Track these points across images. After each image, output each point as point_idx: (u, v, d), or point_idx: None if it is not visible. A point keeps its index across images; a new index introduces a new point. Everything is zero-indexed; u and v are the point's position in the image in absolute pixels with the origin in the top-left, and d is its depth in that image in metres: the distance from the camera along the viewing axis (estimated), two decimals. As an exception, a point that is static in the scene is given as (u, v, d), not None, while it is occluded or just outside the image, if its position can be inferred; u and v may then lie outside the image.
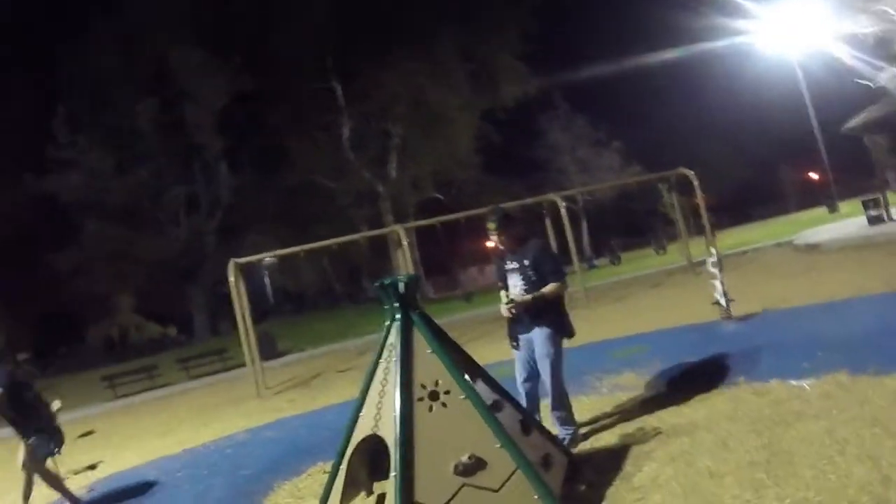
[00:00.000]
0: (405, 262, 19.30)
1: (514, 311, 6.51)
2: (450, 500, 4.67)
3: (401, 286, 5.26)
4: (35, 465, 8.60)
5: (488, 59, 45.01)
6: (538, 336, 6.62)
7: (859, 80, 27.07)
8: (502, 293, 6.77)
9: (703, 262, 24.76)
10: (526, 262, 6.59)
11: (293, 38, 42.22)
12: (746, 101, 52.63)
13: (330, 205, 45.71)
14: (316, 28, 42.22)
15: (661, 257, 33.25)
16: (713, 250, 12.09)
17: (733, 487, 4.90)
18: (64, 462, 11.40)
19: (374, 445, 5.24)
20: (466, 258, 60.01)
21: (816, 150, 44.29)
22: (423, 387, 4.97)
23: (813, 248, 21.08)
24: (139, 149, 44.03)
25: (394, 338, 5.21)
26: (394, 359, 5.12)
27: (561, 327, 6.74)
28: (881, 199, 24.34)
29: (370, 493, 5.95)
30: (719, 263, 11.68)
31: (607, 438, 6.71)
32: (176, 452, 11.09)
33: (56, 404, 12.22)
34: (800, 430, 5.69)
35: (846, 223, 26.18)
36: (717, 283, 11.54)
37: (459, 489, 4.71)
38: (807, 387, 6.91)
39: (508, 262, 6.72)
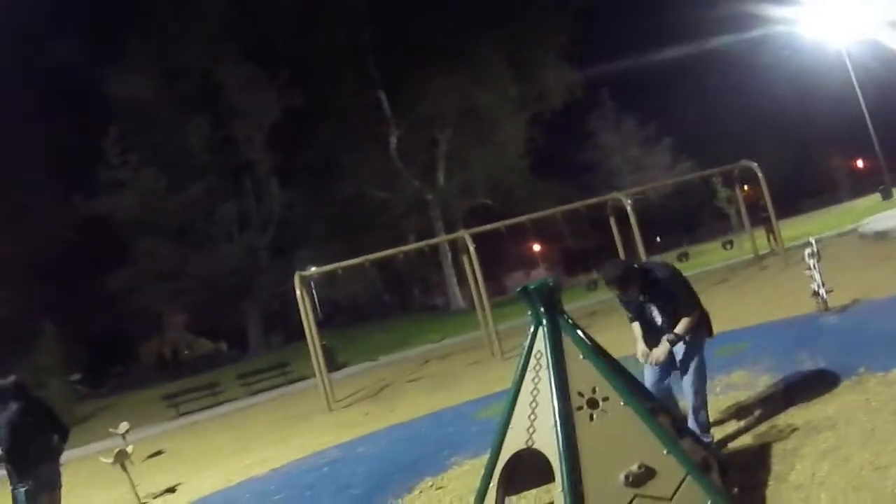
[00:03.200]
0: (472, 269, 18.95)
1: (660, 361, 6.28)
2: (623, 514, 4.35)
3: (547, 290, 4.94)
4: None
5: (534, 61, 44.73)
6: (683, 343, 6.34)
7: None
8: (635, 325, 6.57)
9: (768, 255, 24.66)
10: (657, 304, 6.32)
11: (337, 50, 42.38)
12: (792, 90, 51.76)
13: (380, 216, 45.57)
14: (359, 39, 42.33)
15: (726, 252, 32.49)
16: (812, 240, 11.59)
17: (903, 478, 4.62)
18: (141, 485, 11.23)
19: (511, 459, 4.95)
20: (514, 263, 59.65)
21: (865, 137, 43.61)
22: (581, 395, 4.64)
23: (882, 235, 20.24)
24: (190, 167, 44.28)
25: (541, 344, 4.87)
26: (543, 366, 4.78)
27: (704, 331, 6.48)
28: None
29: (503, 510, 5.63)
30: (817, 254, 11.20)
31: (742, 440, 6.40)
32: (264, 473, 10.71)
33: (124, 426, 12.08)
34: (948, 417, 5.37)
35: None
36: (816, 275, 11.07)
37: (632, 500, 4.40)
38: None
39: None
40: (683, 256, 35.73)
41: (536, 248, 60.47)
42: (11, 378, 7.78)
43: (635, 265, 6.43)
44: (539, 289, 4.93)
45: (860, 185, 55.33)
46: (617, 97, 54.29)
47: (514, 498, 5.83)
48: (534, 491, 5.96)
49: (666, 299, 6.28)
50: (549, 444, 4.55)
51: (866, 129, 42.84)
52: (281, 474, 10.35)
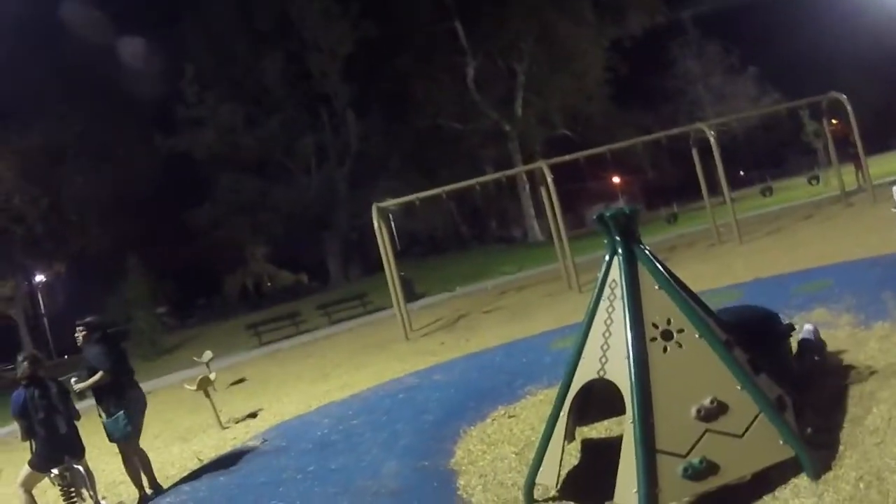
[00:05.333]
0: (549, 200, 18.77)
1: None
2: (692, 447, 4.31)
3: (623, 218, 4.86)
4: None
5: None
6: None
7: None
8: None
9: (855, 192, 23.84)
10: None
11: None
12: (885, 22, 49.19)
13: (456, 147, 45.30)
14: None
15: (812, 187, 31.35)
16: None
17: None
18: (223, 411, 11.59)
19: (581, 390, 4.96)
20: (593, 195, 58.81)
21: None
22: (655, 326, 4.59)
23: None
24: (267, 102, 44.89)
25: (616, 274, 4.81)
26: (618, 296, 4.73)
27: None
28: None
29: (572, 439, 5.65)
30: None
31: (820, 380, 6.18)
32: (342, 398, 10.91)
33: (207, 354, 12.43)
34: None
35: None
36: (903, 216, 10.66)
37: (702, 435, 4.35)
38: None
39: None
40: (767, 191, 34.62)
41: (616, 180, 59.35)
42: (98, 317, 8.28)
43: None
44: (616, 216, 4.85)
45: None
46: (700, 23, 52.47)
47: (584, 428, 5.88)
48: (605, 422, 5.98)
49: None
50: (621, 375, 4.53)
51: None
52: (359, 400, 10.55)
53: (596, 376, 4.74)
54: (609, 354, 4.67)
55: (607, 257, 4.92)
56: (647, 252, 4.86)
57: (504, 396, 8.28)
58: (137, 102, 42.21)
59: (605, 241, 4.95)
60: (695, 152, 20.93)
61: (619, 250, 4.82)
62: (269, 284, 54.46)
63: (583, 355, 4.85)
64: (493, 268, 32.67)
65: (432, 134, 45.32)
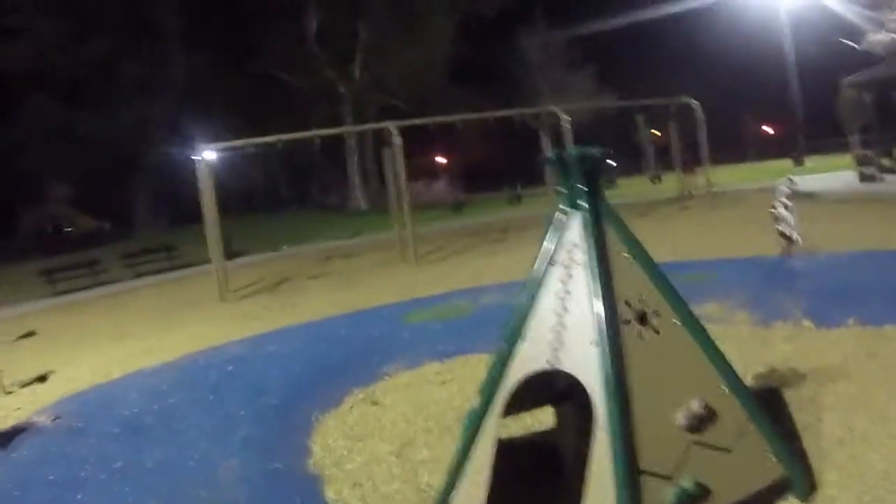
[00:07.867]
0: (394, 165, 17.66)
1: None
2: (680, 465, 3.24)
3: (590, 161, 3.63)
4: None
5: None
6: None
7: (845, 41, 26.54)
8: None
9: (688, 196, 24.12)
10: None
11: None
12: (726, 43, 51.09)
13: (287, 102, 43.32)
14: None
15: (649, 186, 31.96)
16: (792, 178, 10.84)
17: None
18: (7, 371, 9.65)
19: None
20: (414, 172, 57.85)
21: (782, 102, 44.13)
22: (628, 305, 3.42)
23: (809, 196, 19.89)
24: (92, 21, 40.92)
25: (575, 235, 3.58)
26: (579, 263, 3.50)
27: None
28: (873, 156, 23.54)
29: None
30: (794, 195, 10.47)
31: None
32: (152, 366, 9.22)
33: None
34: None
35: (830, 177, 25.20)
36: (791, 217, 10.34)
37: (689, 450, 3.30)
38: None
39: None
40: (610, 183, 35.07)
41: (440, 159, 58.81)
42: None
43: None
44: (581, 157, 3.62)
45: (771, 150, 55.56)
46: (549, 14, 52.93)
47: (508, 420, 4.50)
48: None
49: None
50: (584, 366, 3.34)
51: (783, 96, 43.38)
52: (174, 369, 8.89)
53: (545, 366, 3.51)
54: (566, 338, 3.45)
55: (567, 211, 3.67)
56: (612, 210, 3.66)
57: (359, 377, 6.92)
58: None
59: (562, 191, 3.69)
60: (543, 135, 20.50)
61: (586, 205, 3.59)
62: (69, 228, 50.31)
63: (525, 338, 3.61)
64: (316, 232, 31.47)
65: (264, 83, 43.13)
